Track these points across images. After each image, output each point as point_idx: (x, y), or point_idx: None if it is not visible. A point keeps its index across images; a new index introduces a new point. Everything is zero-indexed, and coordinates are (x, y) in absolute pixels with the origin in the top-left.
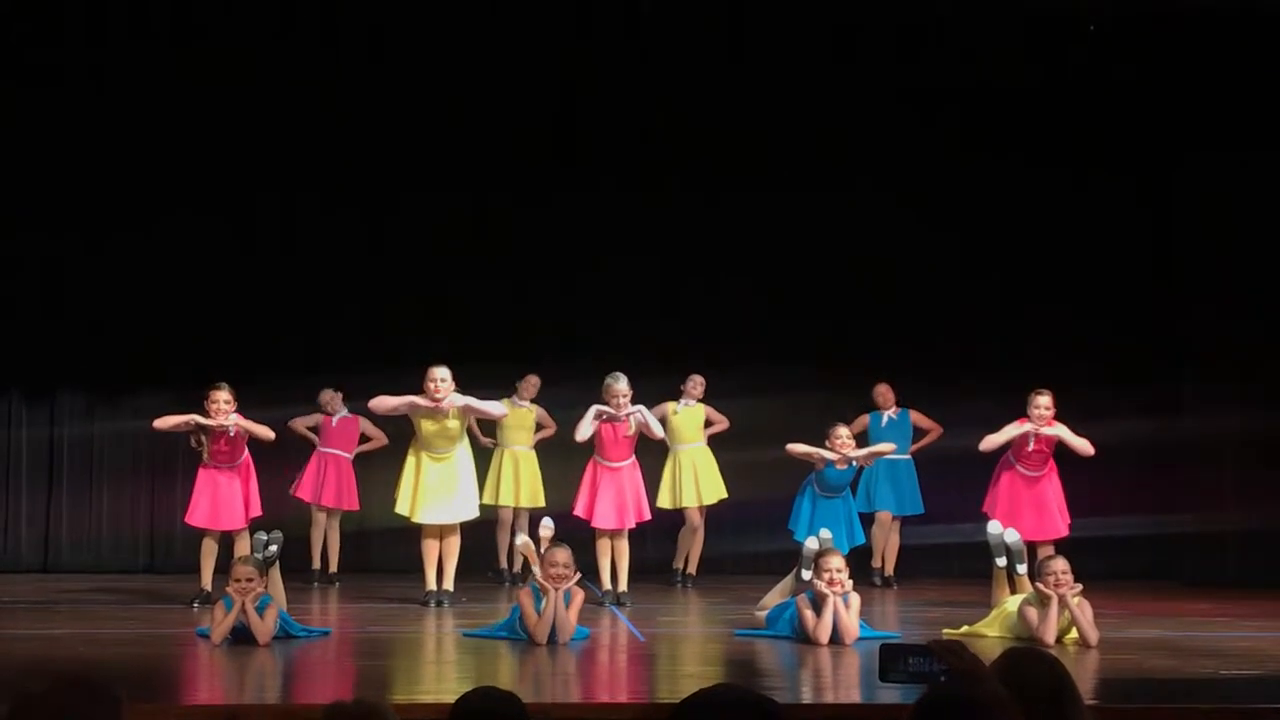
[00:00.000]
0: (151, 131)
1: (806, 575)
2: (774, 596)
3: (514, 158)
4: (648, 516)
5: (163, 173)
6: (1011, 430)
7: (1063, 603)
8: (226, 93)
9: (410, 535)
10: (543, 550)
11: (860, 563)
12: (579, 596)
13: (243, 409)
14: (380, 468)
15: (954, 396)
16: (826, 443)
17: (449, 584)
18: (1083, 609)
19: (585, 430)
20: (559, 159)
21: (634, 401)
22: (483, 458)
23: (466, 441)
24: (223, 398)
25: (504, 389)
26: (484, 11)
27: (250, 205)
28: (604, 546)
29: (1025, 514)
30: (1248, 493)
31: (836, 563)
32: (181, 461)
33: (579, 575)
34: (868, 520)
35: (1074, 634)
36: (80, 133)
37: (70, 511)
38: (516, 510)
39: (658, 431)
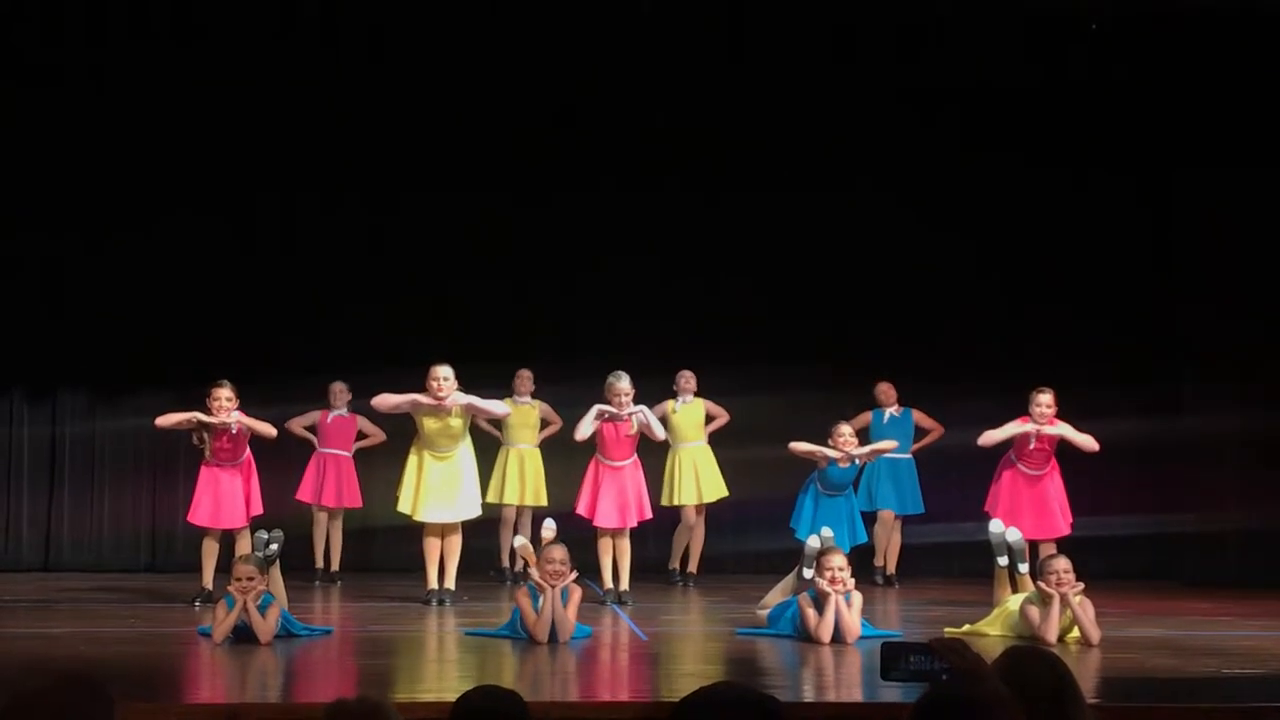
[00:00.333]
0: (151, 131)
1: (808, 574)
2: (776, 595)
3: (514, 158)
4: (649, 515)
5: (163, 173)
6: (1012, 428)
7: (1064, 602)
8: (226, 93)
9: (412, 534)
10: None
11: (862, 561)
12: (576, 594)
13: (243, 409)
14: (382, 466)
15: (954, 396)
16: (829, 440)
17: (450, 583)
18: (1084, 608)
19: (585, 429)
20: (559, 159)
21: (635, 401)
22: (486, 456)
23: (469, 440)
24: (225, 395)
25: (505, 389)
26: (484, 11)
27: (250, 205)
28: (605, 545)
29: (1027, 513)
30: (1248, 492)
31: (838, 561)
32: (183, 460)
33: (576, 573)
34: (869, 519)
35: (1075, 633)
36: (80, 133)
37: (71, 510)
38: (519, 509)
39: (659, 434)
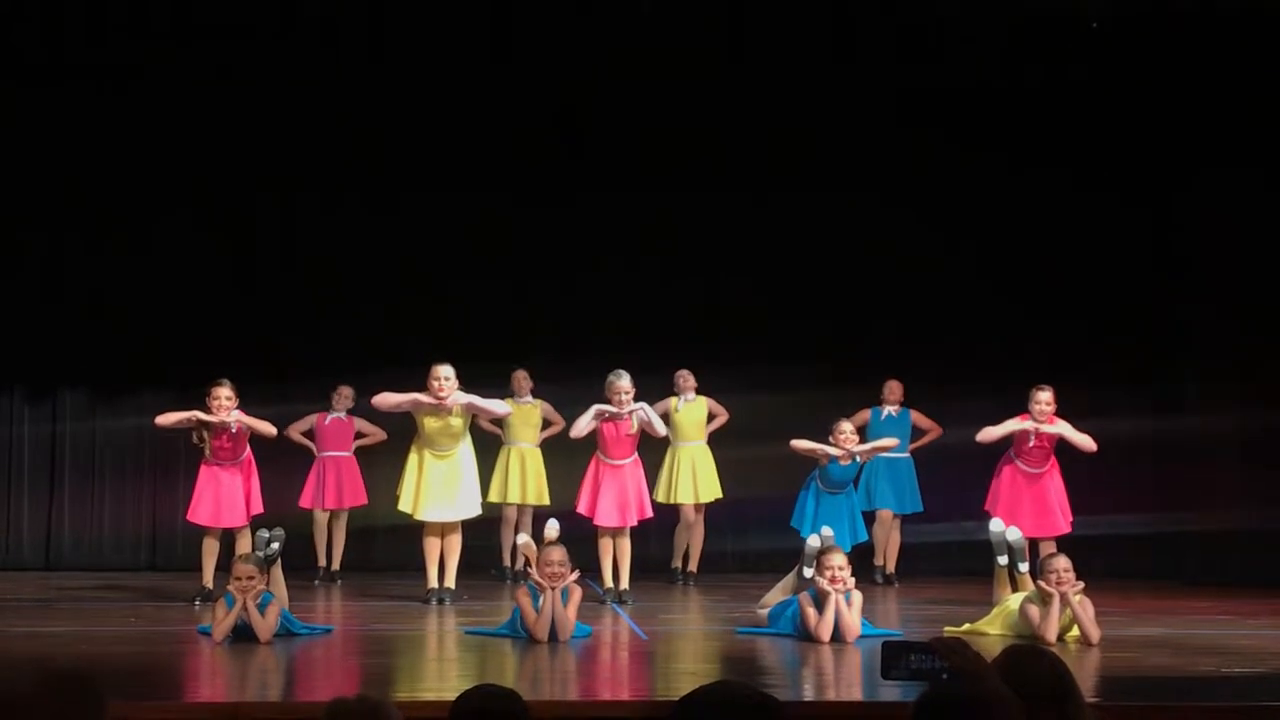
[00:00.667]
0: (151, 131)
1: (808, 573)
2: (776, 594)
3: (514, 158)
4: (650, 514)
5: (163, 172)
6: (1011, 425)
7: (1064, 600)
8: (226, 92)
9: (412, 533)
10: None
11: (862, 560)
12: (576, 594)
13: (243, 408)
14: (383, 465)
15: (954, 395)
16: (830, 438)
17: (450, 582)
18: (1084, 607)
19: (583, 427)
20: (559, 159)
21: (635, 400)
22: (487, 455)
23: (469, 440)
24: (225, 394)
25: (504, 389)
26: (484, 11)
27: (250, 205)
28: (606, 544)
29: (1027, 512)
30: (1248, 492)
31: (838, 560)
32: (183, 459)
33: (577, 573)
34: (869, 518)
35: (1075, 632)
36: (80, 132)
37: (72, 509)
38: (521, 508)
39: (660, 429)
